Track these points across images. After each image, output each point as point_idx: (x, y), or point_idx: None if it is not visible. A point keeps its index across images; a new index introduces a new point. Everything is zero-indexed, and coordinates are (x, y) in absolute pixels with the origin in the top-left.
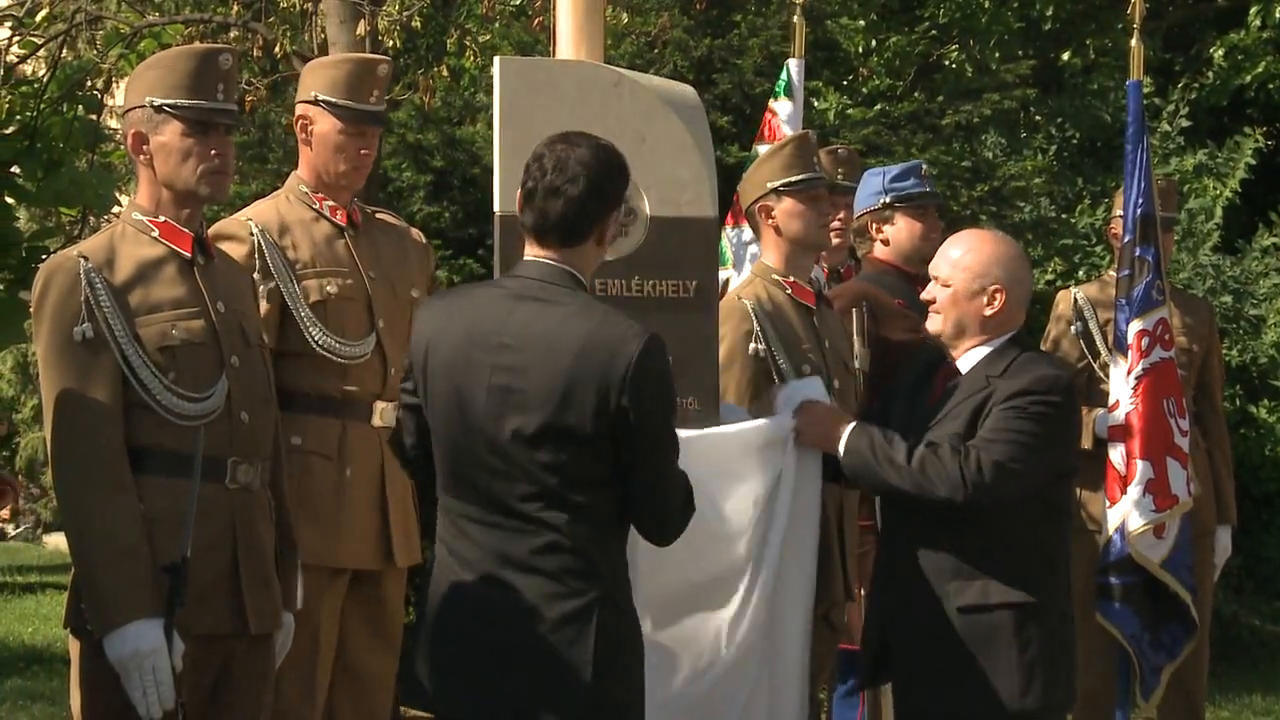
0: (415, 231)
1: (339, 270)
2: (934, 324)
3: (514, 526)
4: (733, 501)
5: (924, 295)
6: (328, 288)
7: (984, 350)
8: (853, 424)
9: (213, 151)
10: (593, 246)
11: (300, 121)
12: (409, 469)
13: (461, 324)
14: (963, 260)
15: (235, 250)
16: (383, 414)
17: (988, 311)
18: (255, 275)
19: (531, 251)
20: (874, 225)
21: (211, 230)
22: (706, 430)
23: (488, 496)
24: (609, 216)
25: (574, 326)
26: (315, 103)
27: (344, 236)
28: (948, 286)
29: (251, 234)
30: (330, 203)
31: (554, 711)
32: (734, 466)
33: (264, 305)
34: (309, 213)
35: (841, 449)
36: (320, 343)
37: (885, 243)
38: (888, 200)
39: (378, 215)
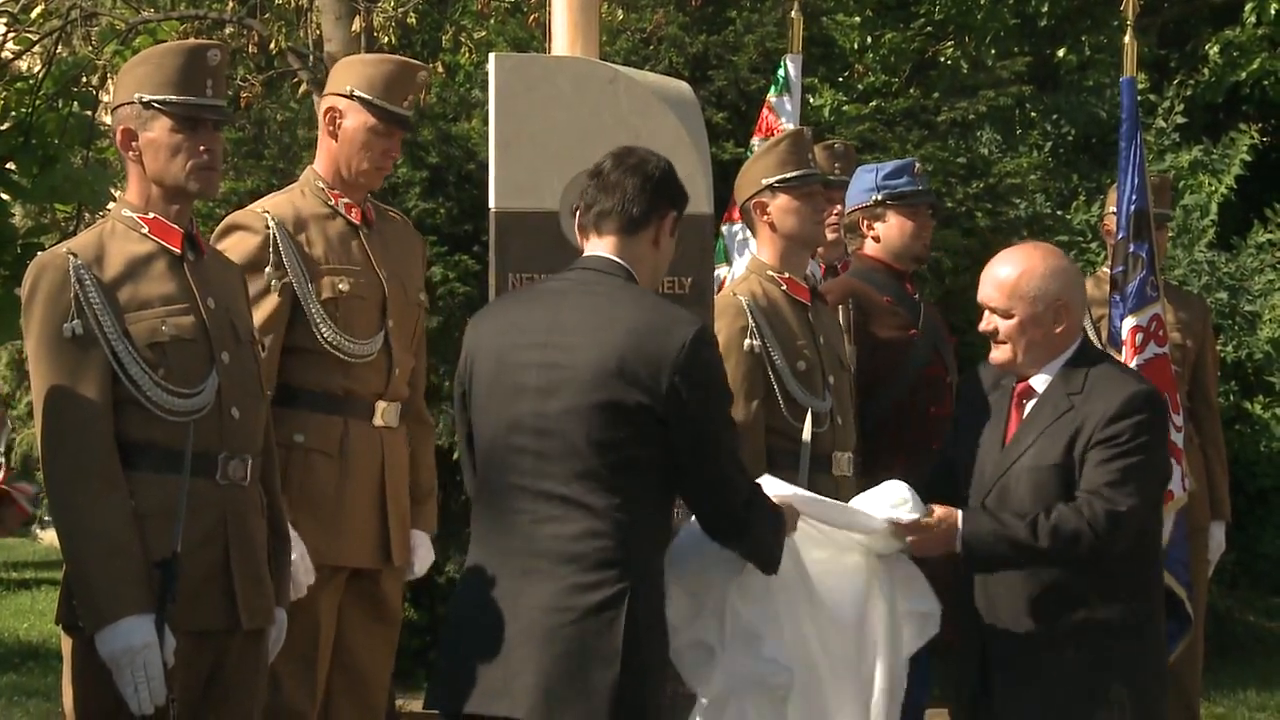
0: (419, 235)
1: (352, 268)
2: (1001, 355)
3: (553, 513)
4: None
5: (983, 327)
6: (340, 285)
7: (1056, 365)
8: (961, 519)
9: (201, 148)
10: (649, 244)
11: (330, 114)
12: None
13: (511, 317)
14: (1020, 286)
15: (249, 242)
16: (384, 413)
17: (1058, 330)
18: (268, 269)
19: (590, 246)
20: (865, 222)
21: (226, 221)
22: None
23: (531, 484)
24: (667, 215)
25: (626, 309)
26: (350, 97)
27: (358, 235)
28: (1010, 316)
29: (268, 226)
30: (345, 200)
31: (578, 703)
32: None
33: (275, 299)
34: (324, 209)
35: (961, 548)
36: (330, 340)
37: (876, 240)
38: (880, 197)
39: (388, 213)
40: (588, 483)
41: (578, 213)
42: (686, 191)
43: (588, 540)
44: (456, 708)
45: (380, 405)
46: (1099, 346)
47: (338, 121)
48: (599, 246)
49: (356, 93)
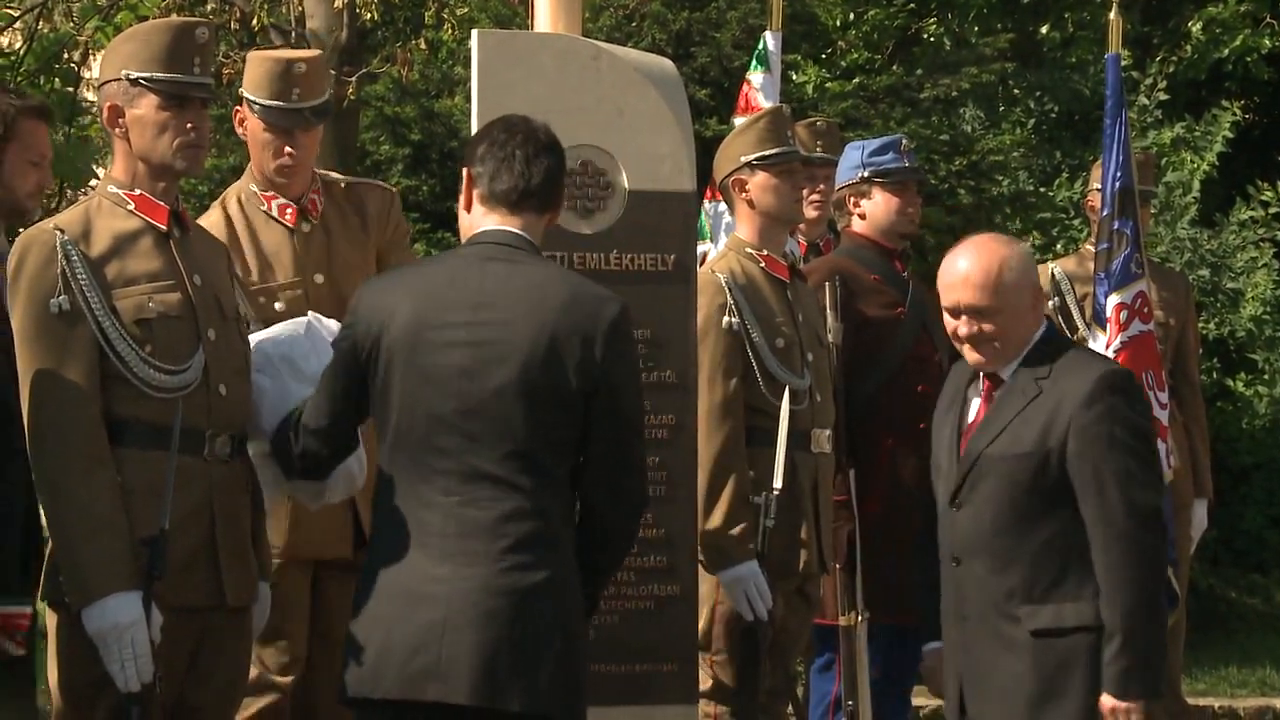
0: (381, 187)
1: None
2: (984, 356)
3: (483, 494)
4: None
5: (962, 332)
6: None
7: (1023, 352)
8: None
9: (189, 125)
10: (550, 219)
11: (237, 115)
12: (304, 462)
13: (425, 291)
14: (1002, 280)
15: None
16: None
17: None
18: None
19: (494, 220)
20: (851, 199)
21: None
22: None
23: (457, 465)
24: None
25: (555, 284)
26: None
27: (293, 239)
28: (999, 312)
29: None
30: (279, 200)
31: (522, 682)
32: None
33: None
34: (259, 215)
35: None
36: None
37: (862, 217)
38: (866, 174)
39: (354, 184)
40: (519, 462)
41: (481, 183)
42: None
43: (520, 521)
44: (378, 693)
45: None
46: (1083, 324)
47: (244, 124)
48: (510, 223)
49: (246, 96)
